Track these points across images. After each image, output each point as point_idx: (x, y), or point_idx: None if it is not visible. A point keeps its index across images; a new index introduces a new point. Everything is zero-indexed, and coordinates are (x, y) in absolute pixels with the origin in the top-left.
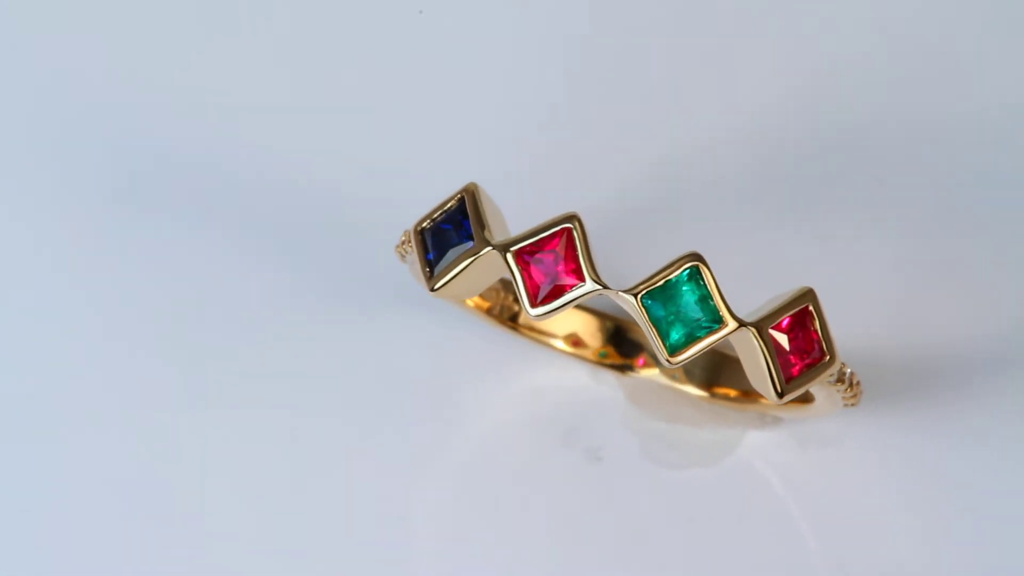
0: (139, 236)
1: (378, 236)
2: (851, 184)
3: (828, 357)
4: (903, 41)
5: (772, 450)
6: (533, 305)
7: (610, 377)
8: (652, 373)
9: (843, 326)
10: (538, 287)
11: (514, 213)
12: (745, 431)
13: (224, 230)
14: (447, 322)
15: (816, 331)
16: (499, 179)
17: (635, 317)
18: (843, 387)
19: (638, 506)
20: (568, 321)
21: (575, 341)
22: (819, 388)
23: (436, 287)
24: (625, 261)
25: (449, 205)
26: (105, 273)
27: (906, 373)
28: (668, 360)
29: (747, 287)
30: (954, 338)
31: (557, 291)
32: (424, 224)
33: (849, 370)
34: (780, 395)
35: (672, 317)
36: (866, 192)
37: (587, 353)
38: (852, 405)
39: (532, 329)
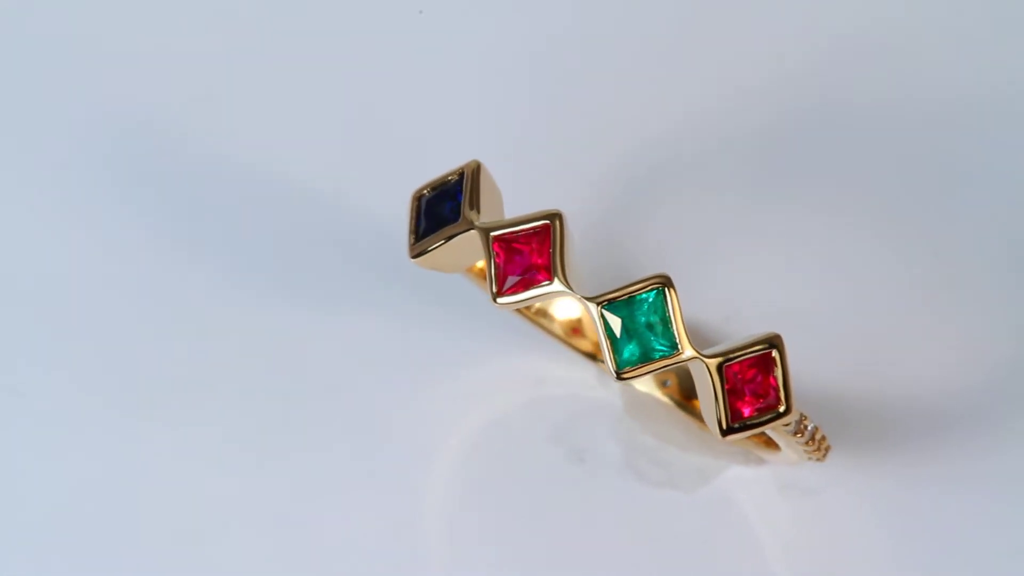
0: (127, 227)
1: (374, 220)
2: (840, 195)
3: (784, 407)
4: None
5: (753, 485)
6: (499, 294)
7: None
8: None
9: (821, 370)
10: (506, 277)
11: (518, 204)
12: (730, 464)
13: (223, 227)
14: (452, 307)
15: (776, 378)
16: (502, 169)
17: (595, 325)
18: (803, 439)
19: (607, 514)
20: (570, 308)
21: (574, 329)
22: (779, 437)
23: (415, 255)
24: (623, 260)
25: (450, 178)
26: (90, 269)
27: (886, 419)
28: (617, 375)
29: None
30: (934, 382)
31: (524, 284)
32: (423, 192)
33: (812, 424)
34: (724, 433)
35: (629, 334)
36: (854, 213)
37: (584, 344)
38: (818, 460)
39: (533, 310)
